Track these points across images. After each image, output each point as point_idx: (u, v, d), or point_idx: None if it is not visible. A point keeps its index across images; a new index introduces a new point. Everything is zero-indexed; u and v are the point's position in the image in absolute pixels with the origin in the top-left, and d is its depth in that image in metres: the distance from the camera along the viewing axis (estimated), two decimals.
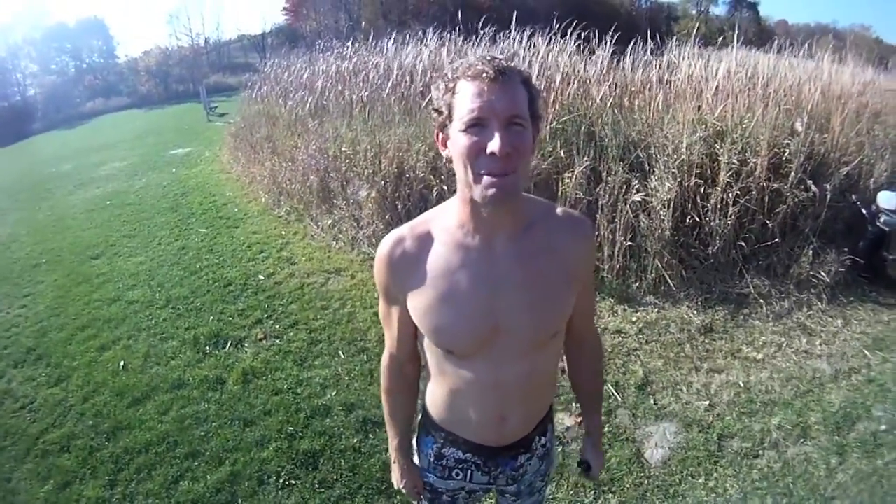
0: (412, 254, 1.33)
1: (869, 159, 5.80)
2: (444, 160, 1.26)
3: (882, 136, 6.23)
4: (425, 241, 1.33)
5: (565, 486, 3.00)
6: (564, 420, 3.42)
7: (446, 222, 1.32)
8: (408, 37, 8.00)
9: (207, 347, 4.44)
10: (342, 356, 4.18)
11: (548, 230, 1.34)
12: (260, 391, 3.88)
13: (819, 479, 3.07)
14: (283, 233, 6.78)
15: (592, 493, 2.97)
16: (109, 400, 3.93)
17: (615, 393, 3.68)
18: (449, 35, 7.50)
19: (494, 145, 1.10)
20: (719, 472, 3.10)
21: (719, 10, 42.10)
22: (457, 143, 1.17)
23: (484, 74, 1.12)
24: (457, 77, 1.17)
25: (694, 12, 37.05)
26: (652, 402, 3.63)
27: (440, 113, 1.22)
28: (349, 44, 9.21)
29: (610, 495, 2.97)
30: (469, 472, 1.56)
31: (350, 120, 6.75)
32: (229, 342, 4.49)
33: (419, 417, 1.66)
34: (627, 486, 3.02)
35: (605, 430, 3.34)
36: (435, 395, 1.53)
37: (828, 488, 3.02)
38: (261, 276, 5.64)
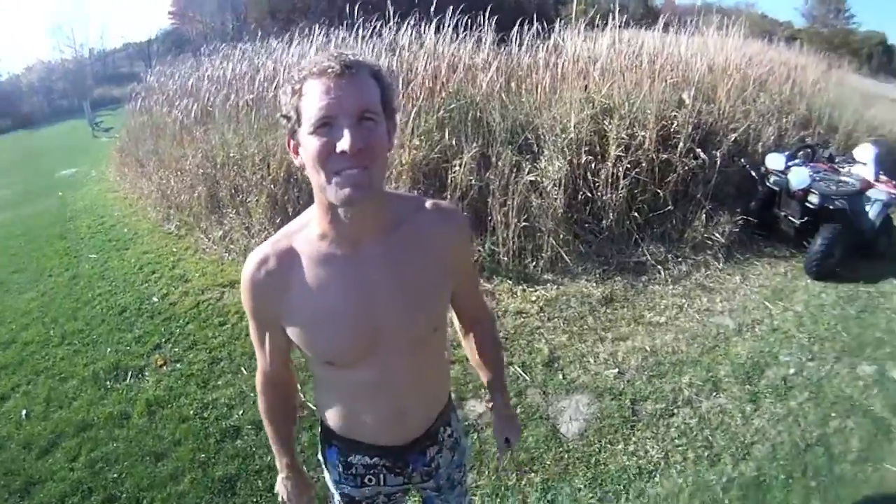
0: (277, 273, 1.25)
1: (756, 125, 6.09)
2: (299, 168, 1.18)
3: (768, 102, 6.54)
4: (290, 256, 1.25)
5: (486, 473, 2.94)
6: (476, 407, 3.37)
7: (309, 233, 1.25)
8: (295, 34, 7.80)
9: (108, 382, 4.18)
10: (245, 373, 4.01)
11: (418, 226, 1.29)
12: (167, 421, 3.68)
13: (737, 428, 3.16)
14: (174, 249, 6.49)
15: (514, 474, 2.93)
16: (17, 454, 3.62)
17: (523, 373, 3.65)
18: (336, 31, 7.34)
19: (344, 143, 1.04)
20: (637, 436, 3.13)
21: None
22: (307, 147, 1.09)
23: (329, 70, 1.06)
24: (303, 78, 1.09)
25: None
26: (561, 377, 3.61)
27: (289, 119, 1.13)
28: (236, 46, 8.92)
29: (532, 474, 2.93)
30: (381, 476, 1.52)
31: (237, 125, 6.52)
32: (129, 373, 4.24)
33: (319, 431, 1.59)
34: (548, 462, 2.99)
35: (518, 411, 3.32)
36: (328, 406, 1.48)
37: (746, 435, 3.11)
38: (155, 299, 5.38)
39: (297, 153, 1.16)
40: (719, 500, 2.78)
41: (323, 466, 1.62)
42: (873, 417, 3.31)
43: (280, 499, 1.67)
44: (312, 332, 1.28)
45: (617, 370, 3.65)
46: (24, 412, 4.02)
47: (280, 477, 1.65)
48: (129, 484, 3.21)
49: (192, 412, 3.70)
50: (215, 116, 7.00)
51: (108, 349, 4.61)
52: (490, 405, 1.75)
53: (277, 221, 5.41)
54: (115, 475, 3.29)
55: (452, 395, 1.65)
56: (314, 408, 1.65)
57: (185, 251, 6.39)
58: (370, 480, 1.52)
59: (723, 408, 3.30)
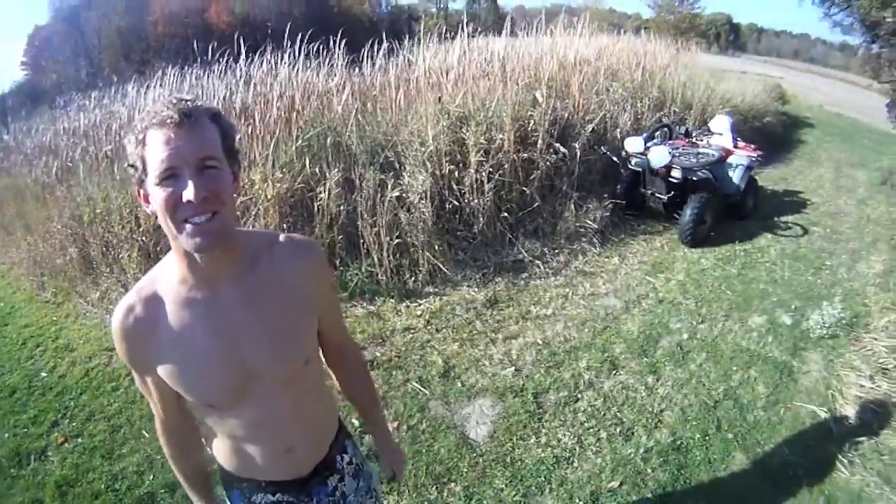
0: (144, 320, 1.25)
1: (611, 113, 6.37)
2: (151, 215, 1.21)
3: (620, 90, 6.86)
4: (154, 303, 1.26)
5: (406, 492, 2.92)
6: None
7: (170, 279, 1.25)
8: (150, 77, 7.54)
9: (13, 469, 3.90)
10: (147, 436, 3.83)
11: (274, 262, 1.31)
12: (80, 499, 3.49)
13: (643, 400, 3.27)
14: (54, 318, 6.07)
15: (434, 487, 2.92)
16: None
17: (421, 388, 3.64)
18: (190, 69, 7.15)
19: (189, 193, 1.06)
20: (547, 427, 3.17)
21: (458, 4, 44.19)
22: (155, 198, 1.11)
23: (169, 120, 1.07)
24: (145, 127, 1.10)
25: (434, 10, 38.78)
26: (460, 384, 3.63)
27: (136, 168, 1.14)
28: (91, 94, 8.53)
29: (452, 484, 2.93)
30: None
31: (99, 178, 6.22)
32: (32, 456, 3.97)
33: (218, 475, 1.58)
34: (465, 469, 2.99)
35: (424, 425, 3.31)
36: (219, 448, 1.47)
37: (654, 405, 3.23)
38: (43, 374, 5.04)
39: (147, 201, 1.17)
40: (642, 470, 2.86)
41: None
42: (774, 363, 3.54)
43: None
44: (185, 376, 1.28)
45: (514, 368, 3.70)
46: None
47: None
48: None
49: (102, 486, 3.53)
50: (77, 172, 6.66)
51: (6, 434, 4.30)
52: (369, 432, 1.78)
53: None
54: None
55: (346, 424, 1.65)
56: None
57: (65, 318, 6.05)
58: None
59: (625, 384, 3.42)
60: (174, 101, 1.10)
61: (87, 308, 5.88)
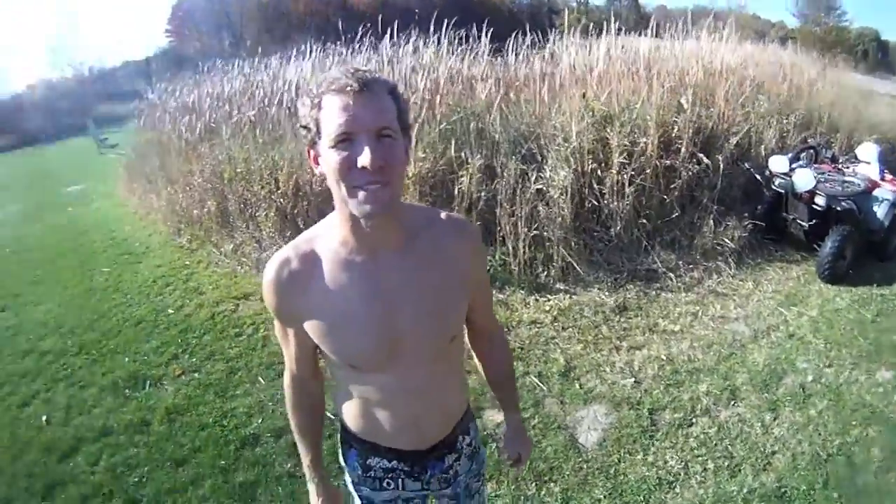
0: (300, 275, 1.27)
1: (756, 128, 6.01)
2: (319, 177, 1.21)
3: (767, 104, 6.46)
4: (311, 260, 1.27)
5: (506, 483, 2.90)
6: (495, 417, 3.32)
7: (330, 239, 1.27)
8: (292, 51, 7.83)
9: (127, 391, 4.17)
10: (262, 382, 4.01)
11: (433, 237, 1.31)
12: (186, 428, 3.68)
13: (756, 438, 3.09)
14: (187, 262, 6.51)
15: (534, 484, 2.89)
16: (38, 458, 3.63)
17: (539, 383, 3.60)
18: (332, 46, 7.36)
19: (365, 159, 1.06)
20: (656, 446, 3.07)
21: (598, 0, 43.79)
22: (327, 160, 1.12)
23: (348, 88, 1.07)
24: (322, 92, 1.11)
25: (574, 4, 38.26)
26: (577, 386, 3.57)
27: (308, 130, 1.16)
28: (233, 62, 8.94)
29: (552, 484, 2.89)
30: (400, 480, 1.53)
31: (241, 140, 6.54)
32: (148, 382, 4.24)
33: (339, 433, 1.60)
34: (567, 472, 2.95)
35: (536, 421, 3.29)
36: (347, 408, 1.49)
37: (766, 445, 3.04)
38: (170, 311, 5.37)
39: (316, 163, 1.19)
40: None
41: (343, 468, 1.63)
42: (894, 425, 3.23)
43: None
44: (335, 335, 1.30)
45: (633, 379, 3.60)
46: (44, 418, 4.04)
47: (308, 482, 1.66)
48: (149, 488, 3.23)
49: (211, 420, 3.72)
50: (220, 132, 7.02)
51: (126, 359, 4.64)
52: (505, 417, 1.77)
53: (287, 234, 5.43)
54: (136, 479, 3.31)
55: (471, 405, 1.65)
56: (333, 417, 1.66)
57: (197, 264, 6.43)
58: (388, 484, 1.54)
59: (741, 417, 3.24)
60: (353, 70, 1.10)
61: (219, 257, 6.23)
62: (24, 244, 9.02)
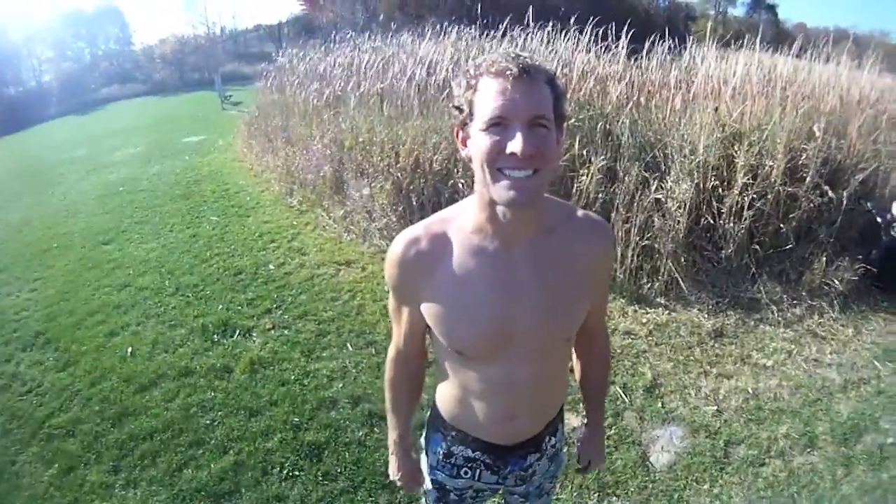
0: (427, 256, 1.28)
1: (885, 167, 5.73)
2: (465, 159, 1.21)
3: None
4: (441, 242, 1.28)
5: (569, 488, 2.96)
6: (571, 420, 3.33)
7: (463, 224, 1.28)
8: (425, 30, 7.93)
9: (215, 336, 4.41)
10: (350, 349, 4.14)
11: (568, 235, 1.30)
12: (267, 381, 3.85)
13: (824, 491, 3.02)
14: (294, 223, 6.77)
15: (596, 494, 2.94)
16: (116, 386, 3.90)
17: (623, 395, 3.64)
18: (467, 29, 7.43)
19: (516, 146, 1.05)
20: (724, 480, 3.05)
21: (738, 10, 42.00)
22: (477, 143, 1.12)
23: (507, 72, 1.07)
24: (479, 74, 1.12)
25: (712, 12, 36.74)
26: (660, 405, 3.58)
27: (460, 110, 1.16)
28: (366, 36, 9.14)
29: (614, 498, 2.93)
30: (478, 470, 1.54)
31: (366, 111, 6.69)
32: (237, 331, 4.46)
33: (428, 415, 1.65)
34: (632, 489, 2.98)
35: (612, 432, 3.33)
36: (445, 393, 1.51)
37: (832, 500, 2.97)
38: (271, 266, 5.62)
39: (465, 144, 1.19)
40: None
41: (423, 449, 1.67)
42: None
43: (392, 477, 1.73)
44: (451, 320, 1.30)
45: (716, 407, 3.58)
46: (129, 350, 4.30)
47: (390, 454, 1.71)
48: (219, 432, 3.39)
49: (292, 377, 3.87)
50: (346, 101, 7.18)
51: (220, 306, 4.85)
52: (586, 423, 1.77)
53: (400, 209, 5.59)
54: (208, 422, 3.49)
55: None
56: (425, 398, 1.69)
57: (304, 226, 6.61)
58: (466, 473, 1.55)
59: (814, 466, 3.17)
60: (513, 55, 1.09)
61: (327, 222, 6.39)
62: (137, 185, 9.50)
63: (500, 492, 1.71)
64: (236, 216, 7.28)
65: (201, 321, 4.61)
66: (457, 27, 7.56)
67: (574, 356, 1.66)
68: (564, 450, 1.74)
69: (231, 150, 11.47)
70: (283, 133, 8.70)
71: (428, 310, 1.33)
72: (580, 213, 1.36)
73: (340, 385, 3.76)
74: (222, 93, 20.18)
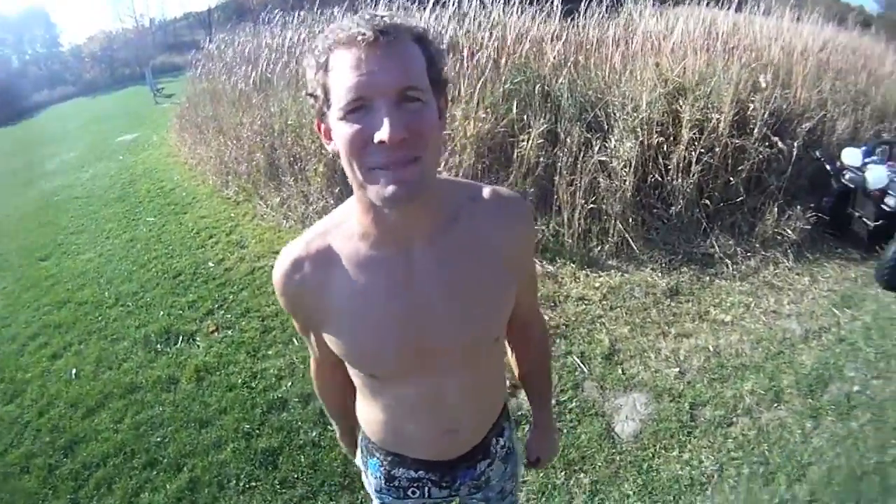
0: (312, 278, 1.09)
1: (831, 116, 5.75)
2: (332, 155, 0.98)
3: (843, 92, 6.20)
4: (326, 258, 1.08)
5: (535, 469, 2.84)
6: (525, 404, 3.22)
7: (349, 231, 1.07)
8: (356, 3, 7.66)
9: (159, 345, 4.25)
10: (296, 343, 3.98)
11: (474, 220, 1.09)
12: (214, 388, 3.71)
13: (795, 445, 2.95)
14: (232, 215, 6.61)
15: (563, 473, 2.82)
16: (64, 412, 3.72)
17: (581, 364, 3.51)
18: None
19: (383, 133, 0.84)
20: (693, 444, 2.96)
21: None
22: (338, 135, 0.90)
23: (360, 38, 0.85)
24: (329, 48, 0.89)
25: None
26: (620, 371, 3.46)
27: (316, 98, 0.94)
28: (295, 14, 8.83)
29: (582, 475, 2.81)
30: (426, 489, 1.38)
31: (296, 93, 6.42)
32: (181, 337, 4.30)
33: (360, 438, 1.47)
34: (599, 463, 2.87)
35: (573, 405, 3.21)
36: (369, 418, 1.34)
37: (804, 454, 2.90)
38: (210, 264, 5.46)
39: (329, 138, 0.97)
40: None
41: (363, 473, 1.51)
42: None
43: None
44: (353, 343, 1.12)
45: (678, 369, 3.47)
46: (73, 371, 4.11)
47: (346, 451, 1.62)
48: (171, 449, 3.24)
49: (240, 381, 3.72)
50: (274, 83, 6.96)
51: (161, 312, 4.68)
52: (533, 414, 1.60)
53: (336, 191, 5.49)
54: (159, 439, 3.33)
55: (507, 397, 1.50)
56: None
57: (242, 217, 6.45)
58: (414, 493, 1.39)
59: (783, 421, 3.10)
60: (367, 16, 0.88)
61: (265, 210, 6.23)
62: (72, 193, 9.27)
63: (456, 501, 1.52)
64: (173, 214, 7.08)
65: (143, 331, 4.42)
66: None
67: (509, 349, 1.48)
68: (519, 445, 1.56)
69: (165, 144, 11.20)
70: (213, 122, 8.50)
71: (328, 335, 1.15)
72: (486, 191, 1.14)
73: (289, 384, 3.63)
74: (153, 86, 19.77)
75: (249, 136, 6.83)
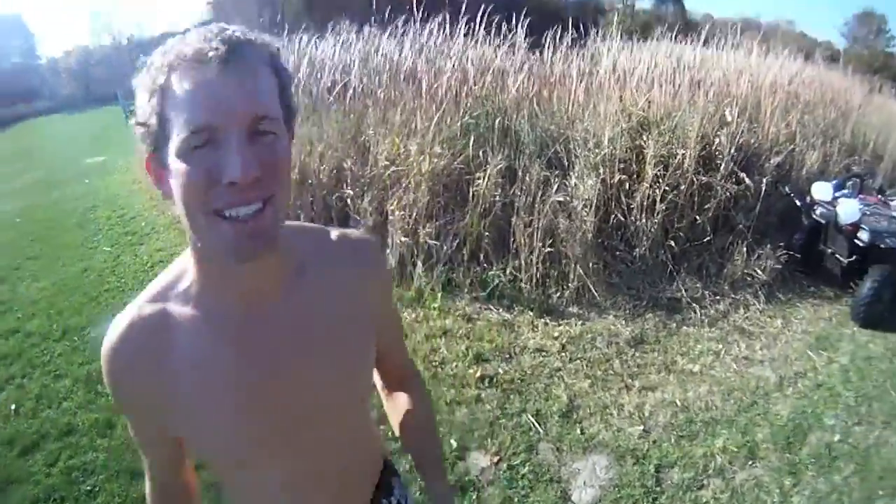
0: (147, 352, 0.88)
1: (800, 150, 5.68)
2: (165, 199, 0.80)
3: (812, 126, 6.14)
4: (161, 325, 0.88)
5: None
6: (479, 460, 2.99)
7: (185, 291, 0.89)
8: (328, 31, 7.53)
9: (99, 386, 3.96)
10: None
11: (323, 269, 0.95)
12: None
13: None
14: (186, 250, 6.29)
15: None
16: (0, 450, 3.54)
17: (536, 424, 3.27)
18: (368, 28, 7.05)
19: (234, 171, 0.69)
20: None
21: (646, 3, 43.23)
22: (178, 174, 0.72)
23: (210, 54, 0.69)
24: (168, 65, 0.72)
25: (620, 6, 37.97)
26: (579, 431, 3.22)
27: (147, 128, 0.75)
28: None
29: None
30: None
31: None
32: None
33: None
34: None
35: (525, 469, 2.95)
36: None
37: None
38: None
39: (160, 180, 0.79)
40: None
41: None
42: None
43: None
44: (196, 427, 0.92)
45: (642, 427, 3.25)
46: (13, 407, 3.92)
47: None
48: (101, 499, 3.05)
49: None
50: None
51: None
52: (426, 491, 1.32)
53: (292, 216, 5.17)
54: (89, 488, 3.14)
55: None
56: None
57: None
58: None
59: (759, 481, 2.88)
60: (215, 30, 0.72)
61: None
62: (34, 214, 9.01)
63: None
64: (129, 245, 6.89)
65: (86, 369, 4.19)
66: (358, 27, 7.16)
67: (387, 406, 1.28)
68: (416, 492, 1.40)
69: (131, 170, 10.92)
70: None
71: (175, 424, 0.94)
72: (334, 234, 1.01)
73: None
74: (126, 107, 19.24)
75: None
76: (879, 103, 9.85)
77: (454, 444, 2.95)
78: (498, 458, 2.97)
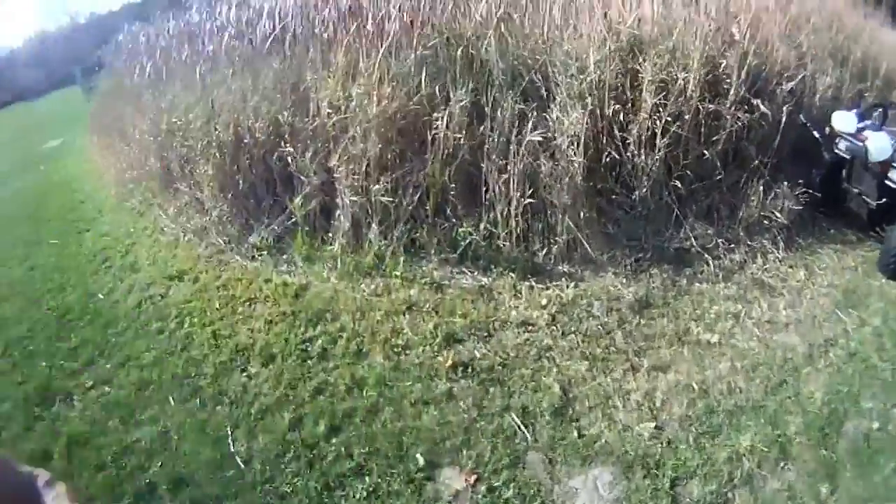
0: None
1: (812, 75, 5.12)
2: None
3: (821, 49, 5.56)
4: None
5: None
6: (452, 480, 2.58)
7: None
8: None
9: (36, 408, 3.75)
10: (172, 403, 3.51)
11: None
12: (83, 467, 3.17)
13: None
14: (132, 230, 6.09)
15: None
16: None
17: (522, 427, 2.80)
18: None
19: None
20: None
21: None
22: None
23: None
24: None
25: None
26: (575, 434, 2.77)
27: None
28: None
29: None
30: None
31: (191, 84, 5.84)
32: (58, 398, 3.80)
33: None
34: None
35: (509, 491, 2.51)
36: None
37: None
38: (100, 296, 4.98)
39: None
40: None
41: None
42: None
43: None
44: None
45: (654, 424, 2.77)
46: None
47: None
48: None
49: (109, 458, 3.19)
50: (164, 76, 6.42)
51: (43, 363, 4.24)
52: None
53: (230, 196, 4.98)
54: None
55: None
56: None
57: (142, 231, 6.03)
58: None
59: (792, 488, 2.42)
60: None
61: (166, 223, 5.78)
62: None
63: None
64: (75, 233, 6.63)
65: (24, 389, 3.97)
66: None
67: None
68: None
69: (84, 149, 10.77)
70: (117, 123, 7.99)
71: None
72: None
73: (160, 463, 3.10)
74: (86, 85, 19.14)
75: (139, 138, 6.29)
76: (875, 27, 9.46)
77: (420, 460, 2.55)
78: (475, 476, 2.57)
